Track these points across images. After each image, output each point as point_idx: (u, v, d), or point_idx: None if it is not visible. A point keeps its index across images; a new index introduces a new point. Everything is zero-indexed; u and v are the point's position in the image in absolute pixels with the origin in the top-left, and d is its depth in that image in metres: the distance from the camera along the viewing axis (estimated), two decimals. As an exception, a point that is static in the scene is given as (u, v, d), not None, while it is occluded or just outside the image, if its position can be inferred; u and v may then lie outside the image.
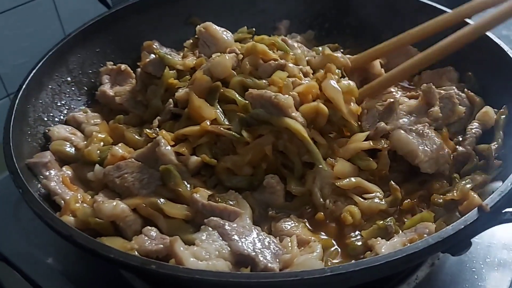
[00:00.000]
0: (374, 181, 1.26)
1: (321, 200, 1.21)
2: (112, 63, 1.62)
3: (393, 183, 1.23)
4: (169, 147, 1.25)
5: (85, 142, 1.37)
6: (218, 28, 1.51)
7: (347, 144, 1.29)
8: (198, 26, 1.52)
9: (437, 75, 1.55)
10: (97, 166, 1.27)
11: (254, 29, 1.69)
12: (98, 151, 1.31)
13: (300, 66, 1.43)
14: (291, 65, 1.38)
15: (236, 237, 1.06)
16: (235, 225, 1.10)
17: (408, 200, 1.22)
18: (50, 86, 1.50)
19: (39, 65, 1.45)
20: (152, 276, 0.96)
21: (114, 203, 1.14)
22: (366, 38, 1.72)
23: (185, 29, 1.75)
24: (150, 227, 1.12)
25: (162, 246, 1.07)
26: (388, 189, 1.24)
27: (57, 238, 1.04)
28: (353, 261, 1.07)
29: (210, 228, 1.08)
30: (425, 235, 1.06)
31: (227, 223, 1.09)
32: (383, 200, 1.21)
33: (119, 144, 1.32)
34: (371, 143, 1.27)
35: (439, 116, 1.34)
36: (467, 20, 1.46)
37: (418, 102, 1.38)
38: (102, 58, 1.66)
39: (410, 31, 1.47)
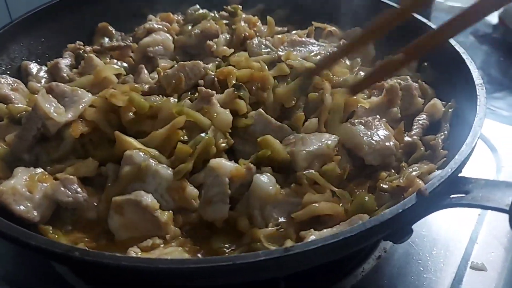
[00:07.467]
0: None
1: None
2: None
3: None
4: None
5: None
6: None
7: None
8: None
9: None
10: None
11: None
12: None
13: None
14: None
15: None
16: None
17: (359, 191, 1.17)
18: (-12, 74, 1.43)
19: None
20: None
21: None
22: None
23: (133, 20, 1.71)
24: None
25: None
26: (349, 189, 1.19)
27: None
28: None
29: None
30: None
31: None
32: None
33: None
34: None
35: (398, 117, 1.33)
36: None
37: (380, 99, 1.35)
38: (47, 48, 1.60)
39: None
